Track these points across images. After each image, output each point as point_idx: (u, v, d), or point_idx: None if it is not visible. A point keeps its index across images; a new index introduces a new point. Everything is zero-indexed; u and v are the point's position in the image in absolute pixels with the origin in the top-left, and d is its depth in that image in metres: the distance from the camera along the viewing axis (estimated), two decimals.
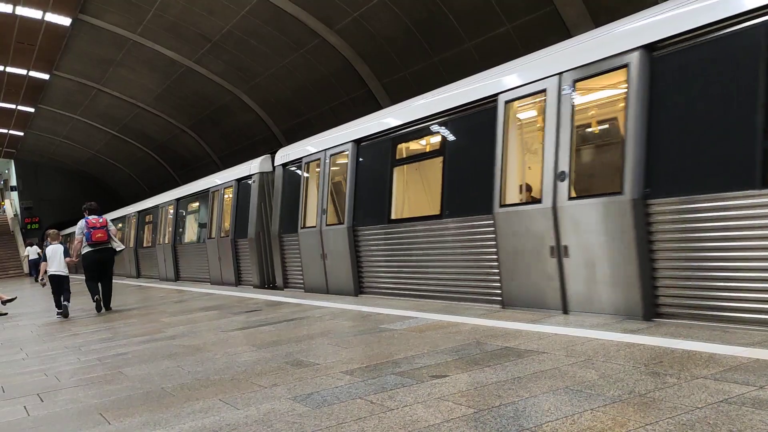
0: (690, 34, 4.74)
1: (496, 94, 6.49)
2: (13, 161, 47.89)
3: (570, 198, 5.62)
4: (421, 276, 7.70)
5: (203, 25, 20.48)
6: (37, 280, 24.52)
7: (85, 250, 10.59)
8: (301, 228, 10.18)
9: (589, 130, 6.72)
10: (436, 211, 7.40)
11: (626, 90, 5.19)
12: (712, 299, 4.60)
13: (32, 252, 25.53)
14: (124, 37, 22.82)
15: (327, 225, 9.49)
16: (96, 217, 10.64)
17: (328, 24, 18.02)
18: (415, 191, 8.71)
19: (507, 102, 6.36)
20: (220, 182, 14.17)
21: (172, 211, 17.50)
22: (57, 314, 10.66)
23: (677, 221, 4.79)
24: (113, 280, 11.35)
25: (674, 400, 3.04)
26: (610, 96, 6.14)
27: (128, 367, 5.47)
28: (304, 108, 23.07)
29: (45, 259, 10.85)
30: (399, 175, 8.31)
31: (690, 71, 4.79)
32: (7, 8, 22.05)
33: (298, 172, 10.56)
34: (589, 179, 6.13)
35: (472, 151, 6.96)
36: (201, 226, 15.66)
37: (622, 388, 3.31)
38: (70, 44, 24.75)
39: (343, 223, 9.09)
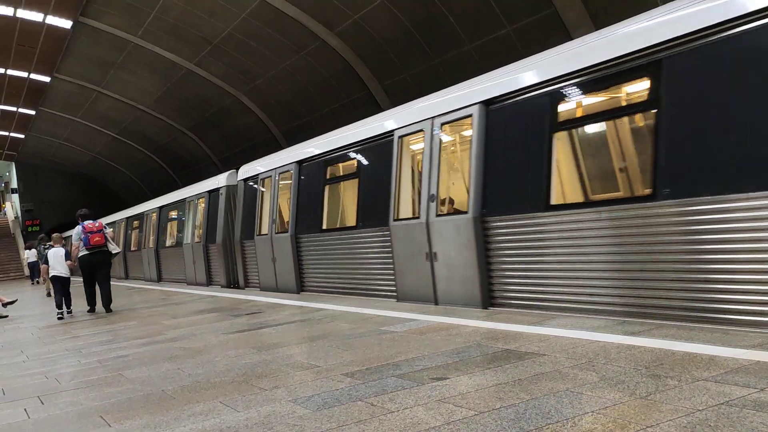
0: (508, 96, 6.40)
1: (393, 131, 8.08)
2: (14, 164, 47.91)
3: (437, 215, 7.18)
4: (344, 276, 9.23)
5: (204, 28, 20.50)
6: (36, 282, 24.65)
7: (82, 253, 10.91)
8: (257, 235, 11.71)
9: (450, 162, 8.10)
10: (354, 222, 8.96)
11: (471, 134, 6.75)
12: (531, 292, 6.12)
13: (31, 255, 25.65)
14: (125, 39, 22.84)
15: (276, 233, 10.99)
16: (92, 222, 11.03)
17: (328, 26, 18.03)
18: (340, 206, 10.16)
19: (400, 137, 7.96)
20: (195, 193, 15.78)
21: (155, 217, 19.23)
22: (57, 316, 10.84)
23: (505, 234, 6.36)
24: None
25: (675, 403, 3.04)
26: (463, 137, 7.63)
27: (129, 369, 5.46)
28: (304, 110, 23.08)
29: (46, 262, 11.26)
30: (329, 191, 9.83)
31: (509, 121, 6.40)
32: (8, 11, 22.08)
33: (255, 186, 12.09)
34: (449, 201, 7.51)
35: (377, 174, 8.42)
36: (179, 232, 17.20)
37: (622, 391, 3.31)
38: (71, 47, 24.78)
39: (287, 232, 10.59)
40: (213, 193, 14.49)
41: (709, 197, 4.54)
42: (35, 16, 22.40)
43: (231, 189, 13.69)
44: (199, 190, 15.49)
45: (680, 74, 4.83)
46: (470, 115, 6.77)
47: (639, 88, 5.39)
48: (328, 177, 9.77)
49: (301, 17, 18.01)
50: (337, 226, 9.80)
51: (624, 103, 5.79)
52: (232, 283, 13.69)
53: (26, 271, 32.29)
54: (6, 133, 40.59)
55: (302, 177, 10.39)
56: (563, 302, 5.78)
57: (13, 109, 34.90)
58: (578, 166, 6.44)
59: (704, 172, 4.61)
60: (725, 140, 4.51)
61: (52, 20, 22.52)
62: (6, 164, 50.10)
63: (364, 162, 8.82)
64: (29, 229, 44.72)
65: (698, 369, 3.55)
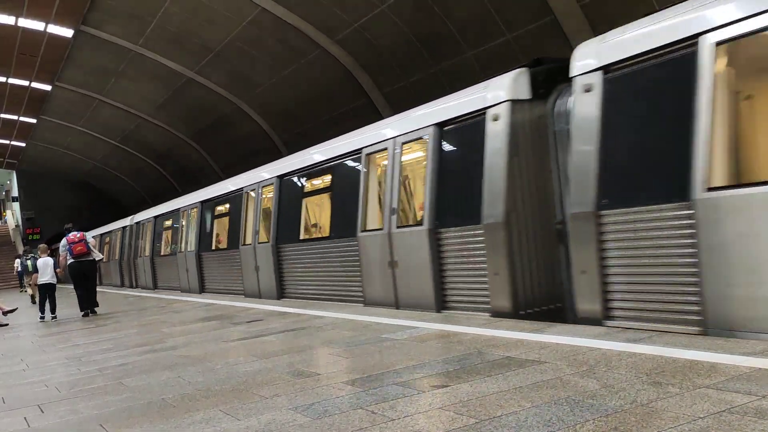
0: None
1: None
2: (14, 172, 47.97)
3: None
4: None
5: (205, 36, 20.58)
6: (23, 290, 25.24)
7: (69, 261, 12.21)
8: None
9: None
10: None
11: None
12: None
13: (19, 264, 26.90)
14: (126, 48, 22.92)
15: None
16: (74, 233, 12.30)
17: (329, 34, 18.10)
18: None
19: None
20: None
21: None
22: (40, 318, 12.33)
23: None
24: (97, 286, 12.92)
25: (676, 410, 3.03)
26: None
27: (129, 377, 5.46)
28: (305, 118, 23.13)
29: (36, 270, 12.80)
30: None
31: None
32: (10, 20, 22.17)
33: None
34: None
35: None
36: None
37: (623, 398, 3.30)
38: (72, 55, 24.86)
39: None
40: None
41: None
42: (37, 24, 22.49)
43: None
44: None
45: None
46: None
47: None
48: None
49: (301, 25, 18.08)
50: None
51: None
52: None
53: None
54: (7, 142, 40.67)
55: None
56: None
57: (15, 117, 34.98)
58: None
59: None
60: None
61: (54, 29, 22.61)
62: (7, 172, 50.17)
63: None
64: (30, 237, 44.70)
65: (699, 376, 3.54)
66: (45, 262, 12.62)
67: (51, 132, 36.56)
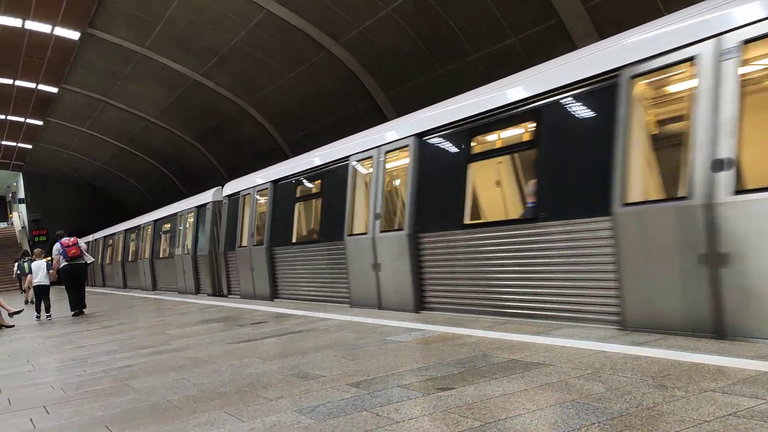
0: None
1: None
2: (21, 174, 48.16)
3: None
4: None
5: (210, 39, 20.64)
6: (23, 292, 26.01)
7: (62, 264, 13.15)
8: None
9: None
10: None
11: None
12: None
13: (17, 267, 27.54)
14: (132, 50, 23.00)
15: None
16: (67, 238, 13.32)
17: (333, 37, 18.12)
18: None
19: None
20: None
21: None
22: (36, 317, 13.30)
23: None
24: (86, 288, 13.95)
25: (682, 414, 3.02)
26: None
27: (134, 379, 5.47)
28: (310, 120, 23.16)
29: (30, 272, 13.77)
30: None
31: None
32: (17, 22, 22.28)
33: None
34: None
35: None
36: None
37: (629, 401, 3.29)
38: (79, 58, 24.97)
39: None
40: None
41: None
42: (43, 27, 22.59)
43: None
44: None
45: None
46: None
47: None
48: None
49: (306, 28, 18.11)
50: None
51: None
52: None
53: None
54: (14, 144, 40.84)
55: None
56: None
57: (21, 119, 35.14)
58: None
59: None
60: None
61: (60, 32, 22.71)
62: (14, 174, 50.37)
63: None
64: (36, 239, 44.86)
65: (705, 380, 3.53)
66: (38, 265, 13.63)
67: (57, 134, 36.71)
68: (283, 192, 11.15)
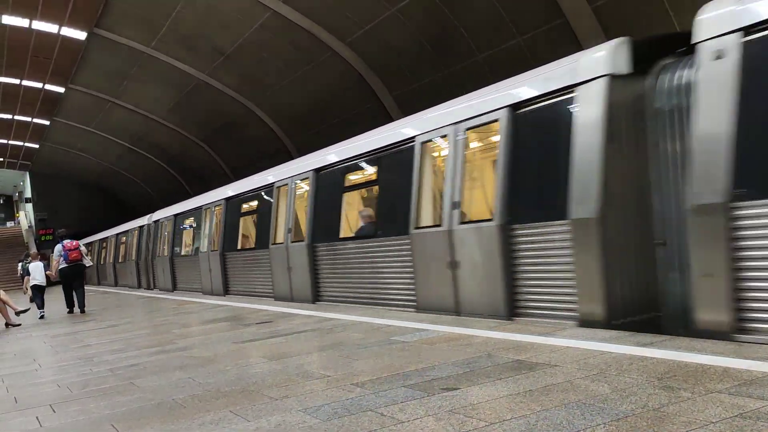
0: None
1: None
2: (28, 173, 48.39)
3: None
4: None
5: (216, 39, 20.68)
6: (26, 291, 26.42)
7: (62, 266, 13.67)
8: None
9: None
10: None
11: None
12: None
13: (21, 267, 27.97)
14: (139, 50, 23.08)
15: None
16: (69, 241, 13.73)
17: (339, 37, 18.14)
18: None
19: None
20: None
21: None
22: (39, 315, 13.61)
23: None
24: (85, 288, 14.56)
25: (688, 415, 3.01)
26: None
27: (140, 378, 5.49)
28: (315, 120, 23.18)
29: (28, 273, 14.44)
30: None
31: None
32: (24, 23, 22.39)
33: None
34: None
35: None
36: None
37: (634, 402, 3.28)
38: (86, 58, 25.07)
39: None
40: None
41: None
42: (50, 27, 22.70)
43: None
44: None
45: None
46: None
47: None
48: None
49: (312, 28, 18.14)
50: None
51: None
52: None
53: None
54: (21, 143, 41.04)
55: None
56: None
57: (28, 119, 35.31)
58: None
59: None
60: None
61: (67, 32, 22.81)
62: (20, 174, 50.62)
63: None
64: (42, 238, 45.05)
65: (712, 381, 3.52)
66: (36, 266, 14.44)
67: (64, 134, 36.86)
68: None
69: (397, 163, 8.22)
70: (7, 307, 12.46)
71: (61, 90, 29.38)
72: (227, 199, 14.04)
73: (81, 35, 22.86)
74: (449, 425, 3.23)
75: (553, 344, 4.93)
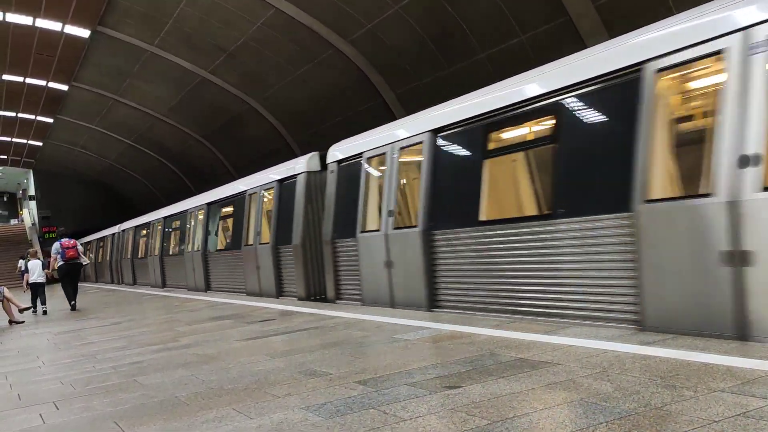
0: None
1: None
2: (32, 171, 48.48)
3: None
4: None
5: (219, 36, 20.69)
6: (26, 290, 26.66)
7: (59, 263, 14.15)
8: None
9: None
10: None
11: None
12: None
13: (21, 264, 28.10)
14: (141, 48, 23.09)
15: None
16: (67, 239, 14.22)
17: (342, 34, 18.12)
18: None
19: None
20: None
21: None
22: (32, 311, 14.35)
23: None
24: (80, 285, 15.82)
25: (691, 414, 3.01)
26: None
27: (143, 375, 5.50)
28: (318, 118, 23.18)
29: (27, 271, 14.78)
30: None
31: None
32: (27, 20, 22.41)
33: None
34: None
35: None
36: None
37: (637, 401, 3.28)
38: (89, 56, 25.08)
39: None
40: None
41: None
42: (54, 25, 22.71)
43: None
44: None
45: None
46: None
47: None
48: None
49: (314, 25, 18.13)
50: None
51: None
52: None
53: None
54: (24, 141, 41.10)
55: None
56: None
57: (32, 117, 35.35)
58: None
59: None
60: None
61: (71, 29, 22.82)
62: (24, 171, 50.72)
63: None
64: (46, 235, 45.10)
65: (714, 380, 3.51)
66: (35, 264, 14.76)
67: (67, 131, 36.90)
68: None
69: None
70: (11, 304, 12.50)
71: (65, 88, 29.41)
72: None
73: (84, 33, 22.87)
74: (452, 423, 3.23)
75: (556, 343, 4.93)
